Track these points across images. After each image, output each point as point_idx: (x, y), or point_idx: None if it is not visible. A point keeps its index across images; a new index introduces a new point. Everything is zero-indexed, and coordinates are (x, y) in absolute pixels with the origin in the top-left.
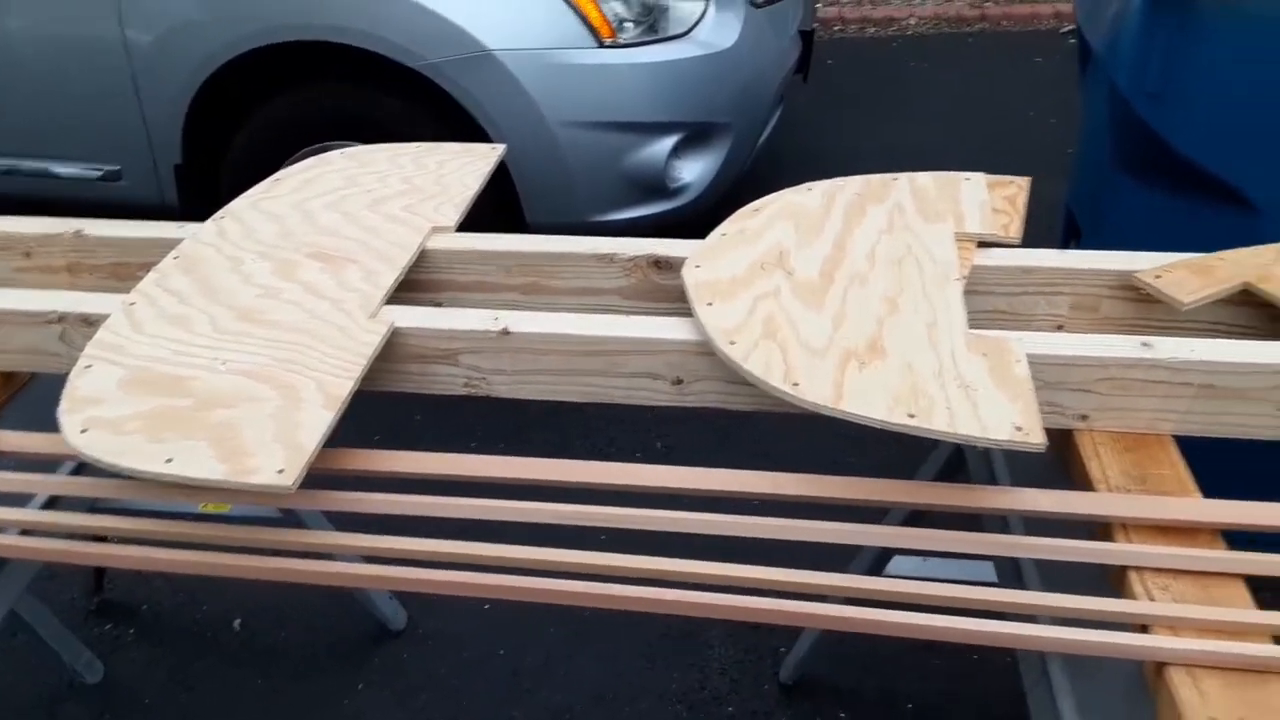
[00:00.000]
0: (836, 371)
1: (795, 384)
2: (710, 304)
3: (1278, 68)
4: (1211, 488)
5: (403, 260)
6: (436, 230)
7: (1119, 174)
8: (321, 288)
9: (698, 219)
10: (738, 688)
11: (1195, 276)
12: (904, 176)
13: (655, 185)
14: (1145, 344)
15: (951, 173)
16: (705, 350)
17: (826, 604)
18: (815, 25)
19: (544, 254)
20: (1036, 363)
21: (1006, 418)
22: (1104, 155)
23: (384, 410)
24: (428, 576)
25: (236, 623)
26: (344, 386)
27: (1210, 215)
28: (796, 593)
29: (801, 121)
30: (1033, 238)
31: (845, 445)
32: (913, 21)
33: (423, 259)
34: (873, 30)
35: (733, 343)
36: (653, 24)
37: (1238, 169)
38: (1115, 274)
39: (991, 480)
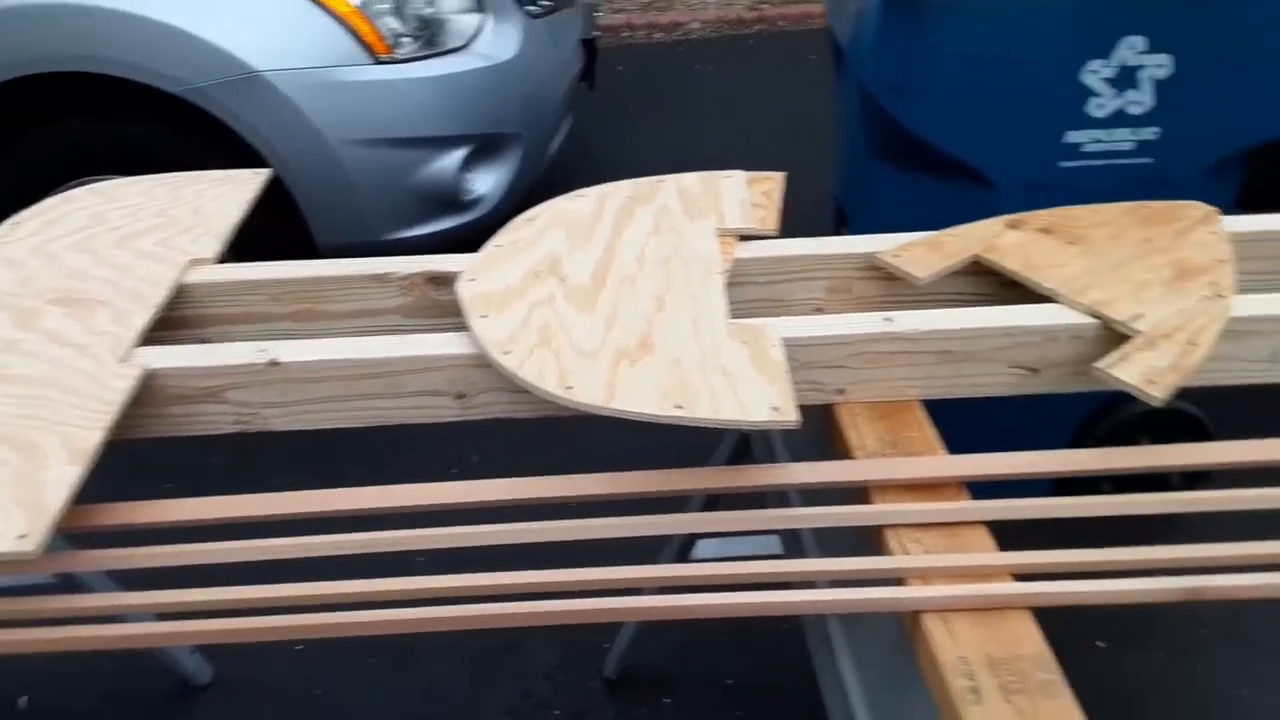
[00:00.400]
0: (609, 372)
1: (569, 387)
2: (485, 316)
3: (1000, 56)
4: (960, 445)
5: (156, 298)
6: (195, 263)
7: (874, 163)
8: (66, 335)
9: (496, 230)
10: (563, 690)
11: (930, 253)
12: (670, 178)
13: (449, 199)
14: (887, 319)
15: (714, 172)
16: (483, 363)
17: (640, 597)
18: (599, 33)
19: (313, 279)
20: (793, 345)
21: (765, 400)
22: (860, 147)
23: (175, 457)
24: (230, 626)
25: (23, 701)
26: (91, 438)
27: (957, 194)
28: (611, 589)
29: (593, 128)
30: (811, 227)
31: (660, 434)
32: (696, 25)
33: (182, 295)
34: (659, 35)
35: (507, 352)
36: (430, 38)
37: (975, 151)
38: (862, 256)
39: (772, 459)
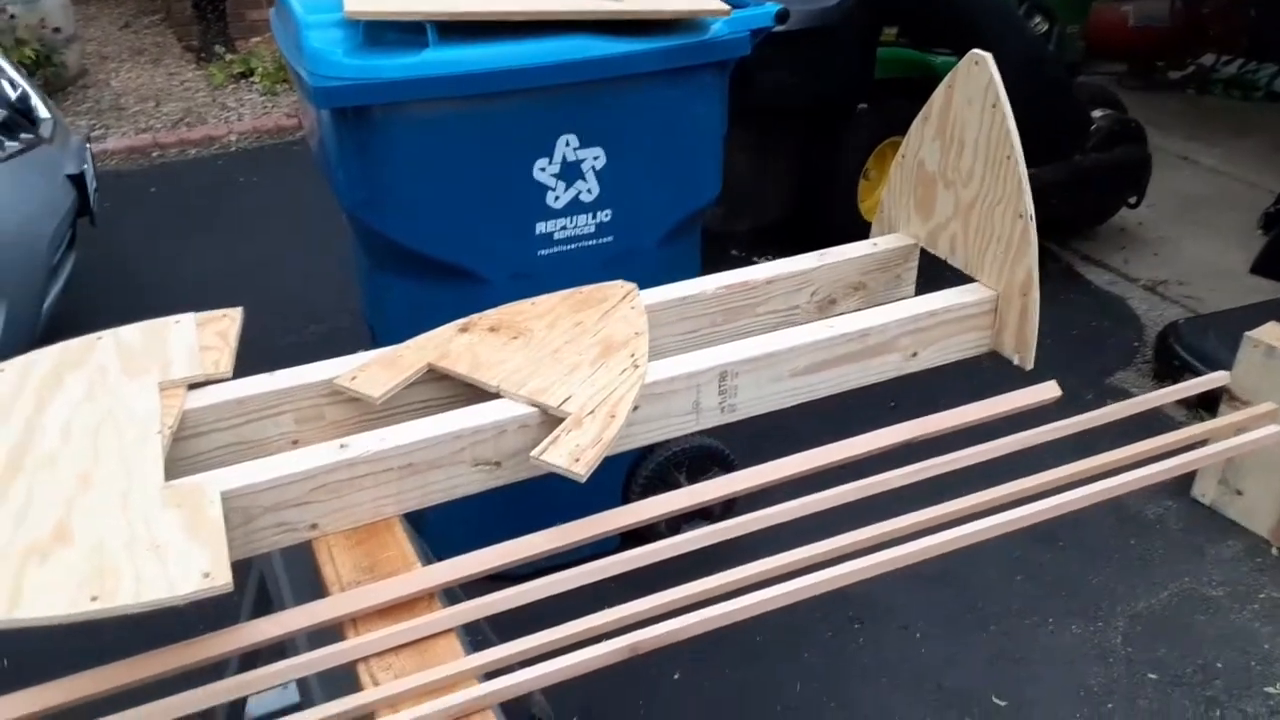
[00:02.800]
0: (15, 576)
1: None
2: None
3: (456, 162)
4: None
5: None
6: None
7: (382, 275)
8: None
9: None
10: None
11: (384, 370)
12: (109, 334)
13: None
14: (343, 445)
15: (161, 319)
16: None
17: None
18: (100, 162)
19: None
20: (246, 494)
21: (195, 567)
22: (365, 262)
23: None
24: None
25: None
26: None
27: (461, 294)
28: None
29: (116, 261)
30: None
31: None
32: (233, 137)
33: None
34: (194, 151)
35: None
36: None
37: (461, 252)
38: (323, 383)
39: (282, 605)
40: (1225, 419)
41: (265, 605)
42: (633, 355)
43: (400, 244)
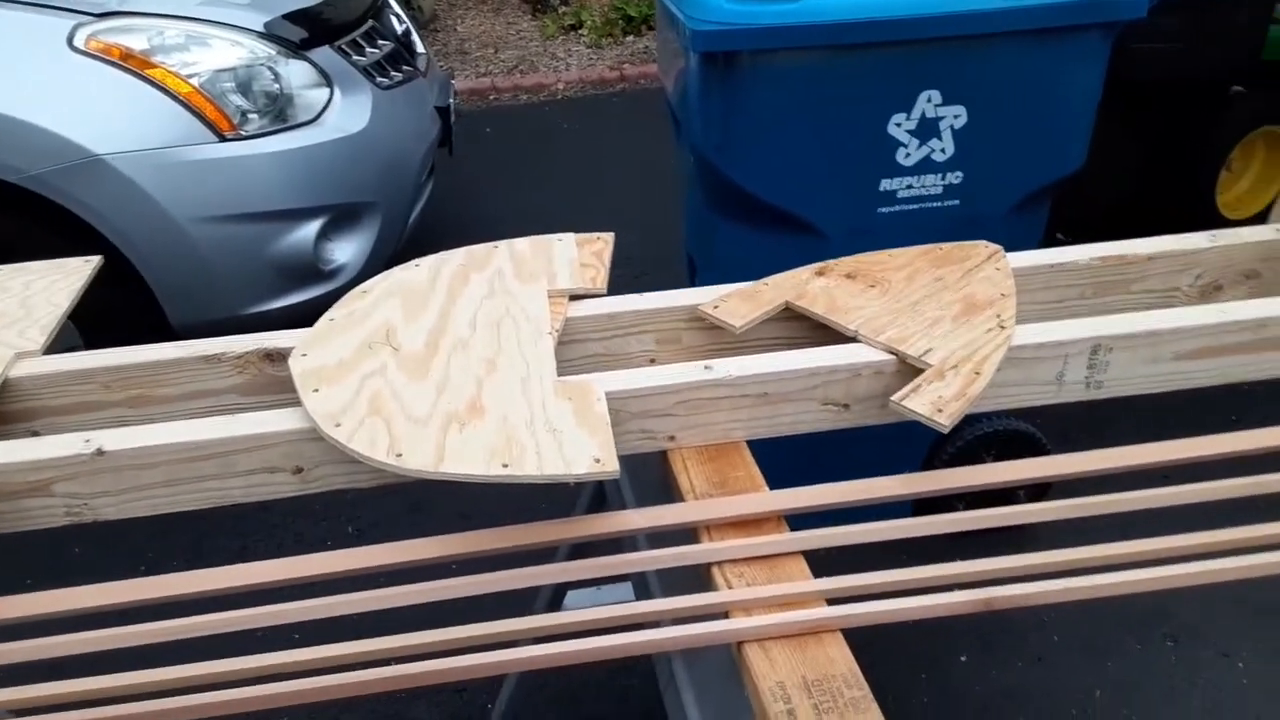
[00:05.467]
0: (439, 436)
1: (399, 455)
2: (316, 390)
3: (811, 113)
4: (784, 479)
5: None
6: (21, 356)
7: (713, 217)
8: None
9: None
10: None
11: (744, 303)
12: (504, 244)
13: (308, 270)
14: (707, 367)
15: (546, 235)
16: (317, 436)
17: (515, 649)
18: (457, 99)
19: (144, 364)
20: (620, 398)
21: (587, 452)
22: (699, 202)
23: (33, 551)
24: (91, 716)
25: None
26: None
27: (790, 243)
28: (488, 644)
29: (462, 190)
30: (676, 278)
31: (537, 492)
32: (561, 86)
33: (7, 389)
34: (526, 97)
35: (338, 425)
36: (279, 112)
37: (801, 203)
38: (685, 309)
39: (622, 506)
40: None
41: (598, 505)
42: (999, 316)
43: (746, 190)
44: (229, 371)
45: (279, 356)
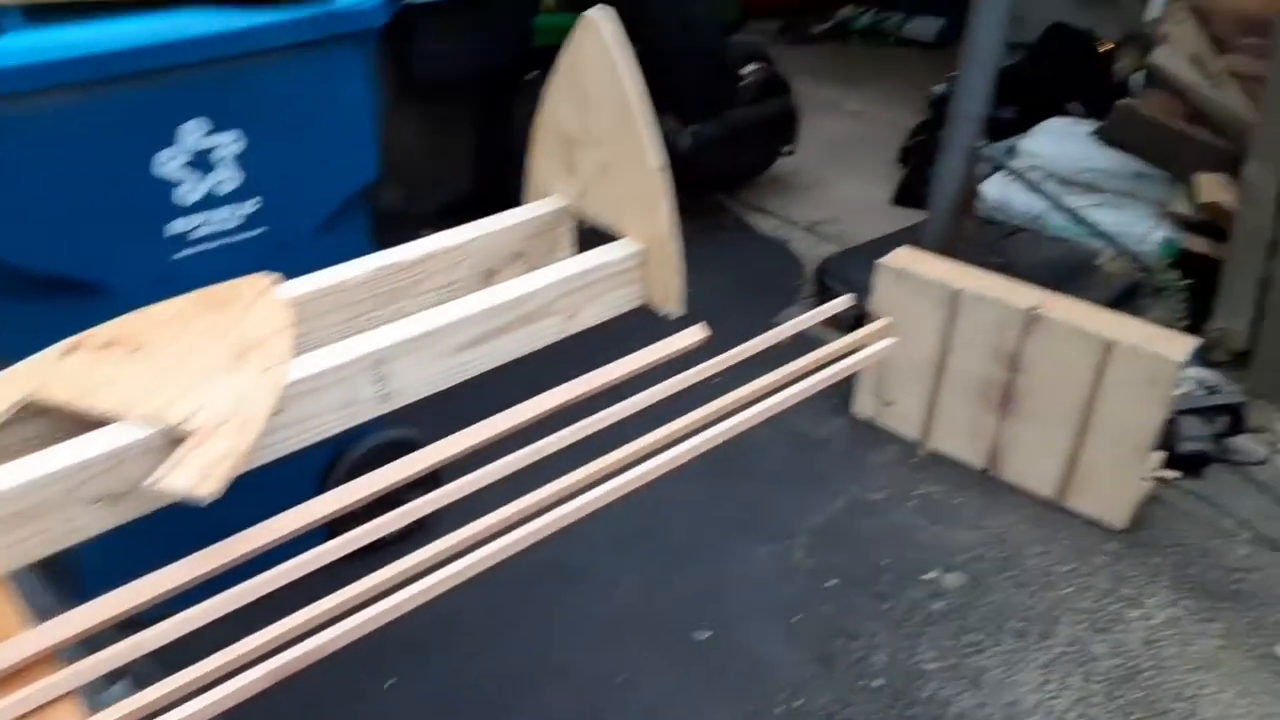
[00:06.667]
0: None
1: None
2: None
3: (57, 161)
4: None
5: None
6: None
7: None
8: None
9: None
10: None
11: None
12: None
13: None
14: None
15: None
16: None
17: None
18: None
19: None
20: None
21: None
22: None
23: None
24: None
25: None
26: None
27: (79, 311)
28: None
29: None
30: None
31: None
32: None
33: None
34: None
35: None
36: None
37: (72, 264)
38: None
39: None
40: (849, 337)
41: None
42: (273, 354)
43: (7, 262)
44: None
45: None
